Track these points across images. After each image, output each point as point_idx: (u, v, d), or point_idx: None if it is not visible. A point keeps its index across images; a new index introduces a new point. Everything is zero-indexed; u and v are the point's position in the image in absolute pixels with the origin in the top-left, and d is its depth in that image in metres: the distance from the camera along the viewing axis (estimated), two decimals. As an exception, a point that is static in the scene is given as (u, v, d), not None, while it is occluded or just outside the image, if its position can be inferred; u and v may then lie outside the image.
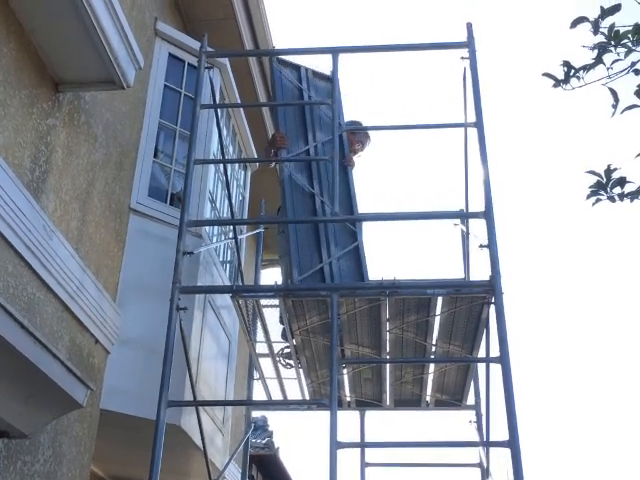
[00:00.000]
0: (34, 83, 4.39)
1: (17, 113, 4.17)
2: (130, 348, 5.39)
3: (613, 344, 45.97)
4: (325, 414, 4.34)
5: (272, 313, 5.84)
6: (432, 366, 5.85)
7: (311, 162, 5.64)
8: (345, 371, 5.94)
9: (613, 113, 4.11)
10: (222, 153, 5.73)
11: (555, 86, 4.24)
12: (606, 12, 4.00)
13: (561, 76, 4.21)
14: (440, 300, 4.88)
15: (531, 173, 45.22)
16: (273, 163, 6.18)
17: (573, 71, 4.16)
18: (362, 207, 5.89)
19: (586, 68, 4.13)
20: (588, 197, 4.27)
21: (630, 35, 4.00)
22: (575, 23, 4.06)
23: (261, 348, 6.24)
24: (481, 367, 5.74)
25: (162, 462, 4.06)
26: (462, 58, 5.03)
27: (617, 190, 4.21)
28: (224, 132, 6.84)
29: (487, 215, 4.48)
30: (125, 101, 5.69)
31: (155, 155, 6.15)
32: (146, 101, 6.15)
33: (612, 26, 4.01)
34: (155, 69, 6.32)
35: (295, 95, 5.96)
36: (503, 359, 4.09)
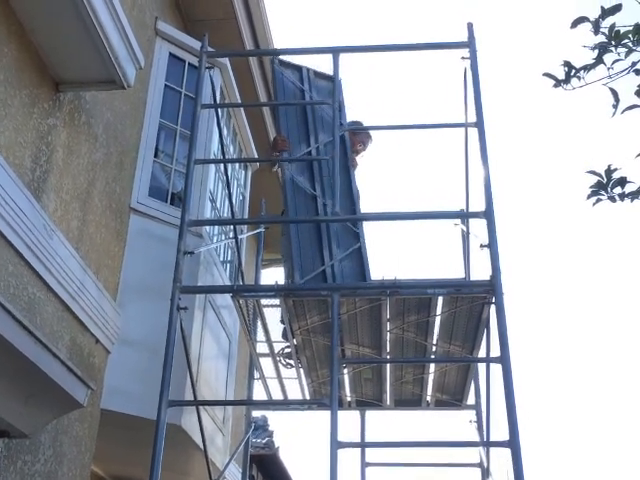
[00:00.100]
0: (35, 83, 4.39)
1: (18, 113, 4.17)
2: (130, 348, 5.40)
3: (613, 344, 45.99)
4: (325, 414, 4.34)
5: (273, 313, 5.84)
6: (432, 366, 5.85)
7: (313, 164, 5.65)
8: (345, 371, 5.94)
9: (614, 113, 4.12)
10: (222, 153, 5.73)
11: (556, 86, 4.24)
12: (607, 12, 4.00)
13: (562, 76, 4.21)
14: (441, 300, 4.88)
15: (532, 173, 45.24)
16: (276, 166, 6.18)
17: (574, 71, 4.16)
18: (364, 207, 5.90)
19: (587, 68, 4.13)
20: (589, 197, 4.27)
21: (630, 35, 4.00)
22: (576, 23, 4.06)
23: (261, 348, 6.24)
24: (481, 367, 5.74)
25: (163, 462, 4.06)
26: (463, 58, 5.03)
27: (617, 190, 4.21)
28: (224, 132, 6.85)
29: (487, 215, 4.48)
30: (126, 101, 5.69)
31: (156, 155, 6.15)
32: (147, 101, 6.15)
33: (613, 26, 4.01)
34: (156, 69, 6.32)
35: (297, 96, 5.97)
36: (503, 359, 4.09)
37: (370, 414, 6.76)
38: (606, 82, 4.10)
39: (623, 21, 4.00)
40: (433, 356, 5.67)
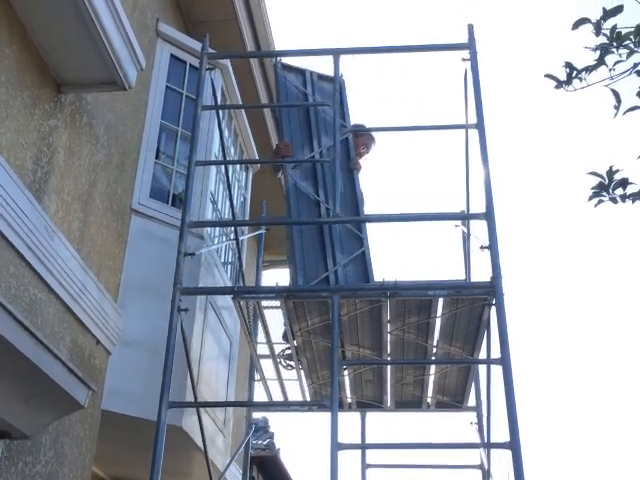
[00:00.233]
0: (36, 84, 4.39)
1: (19, 114, 4.18)
2: (131, 349, 5.40)
3: (614, 345, 45.95)
4: (326, 415, 4.34)
5: (273, 314, 5.84)
6: (433, 367, 5.85)
7: (316, 169, 5.66)
8: (346, 372, 5.94)
9: (615, 114, 4.12)
10: (223, 154, 5.73)
11: (557, 87, 4.25)
12: (608, 13, 4.00)
13: (563, 77, 4.22)
14: (441, 301, 4.88)
15: (533, 174, 45.23)
16: (279, 172, 6.21)
17: (575, 72, 4.16)
18: (369, 210, 5.90)
19: (588, 69, 4.13)
20: (590, 198, 4.27)
21: (632, 36, 4.00)
22: (577, 24, 4.06)
23: (262, 349, 6.24)
24: (482, 368, 5.73)
25: (163, 463, 4.06)
26: (463, 59, 5.03)
27: (619, 191, 4.21)
28: (225, 133, 6.85)
29: (488, 216, 4.48)
30: (127, 102, 5.70)
31: (157, 156, 6.15)
32: (148, 102, 6.16)
33: (614, 27, 4.01)
34: (157, 70, 6.33)
35: (300, 100, 5.98)
36: (504, 360, 4.09)
37: (370, 415, 6.77)
38: (608, 83, 4.10)
39: (624, 22, 4.00)
40: (434, 357, 5.67)
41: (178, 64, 6.55)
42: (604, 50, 4.05)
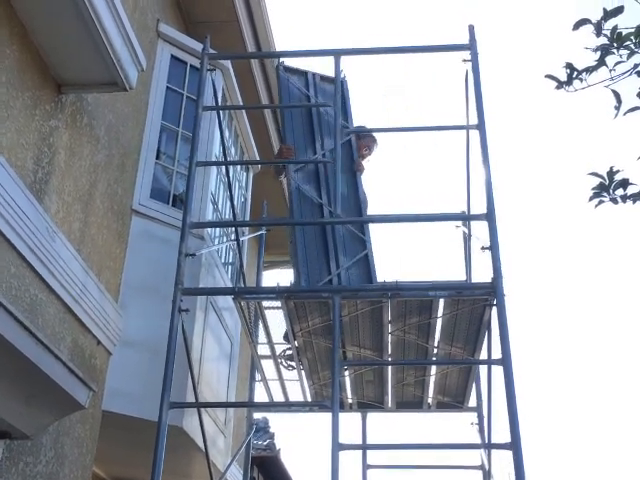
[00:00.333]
0: (37, 85, 4.39)
1: (20, 115, 4.18)
2: (132, 349, 5.40)
3: (616, 346, 45.93)
4: (327, 416, 4.34)
5: (274, 315, 5.84)
6: (434, 368, 5.85)
7: (319, 172, 5.67)
8: (347, 373, 5.94)
9: (616, 115, 4.12)
10: (224, 155, 5.73)
11: (558, 88, 4.24)
12: (609, 14, 4.00)
13: (564, 78, 4.21)
14: (442, 302, 4.88)
15: (533, 175, 45.22)
16: (281, 175, 6.22)
17: (576, 73, 4.16)
18: (372, 212, 5.90)
19: (589, 70, 4.13)
20: (591, 199, 4.26)
21: (633, 37, 4.00)
22: (578, 25, 4.06)
23: (263, 350, 6.25)
24: (483, 369, 5.74)
25: (164, 463, 4.06)
26: (464, 60, 5.04)
27: (620, 192, 4.20)
28: (226, 134, 6.85)
29: (489, 217, 4.48)
30: (127, 103, 5.70)
31: (157, 157, 6.16)
32: (148, 103, 6.16)
33: (615, 28, 4.01)
34: (157, 71, 6.33)
35: (303, 102, 5.99)
36: (505, 361, 4.09)
37: (371, 416, 6.77)
38: (608, 84, 4.10)
39: (625, 23, 4.00)
40: (434, 358, 5.67)
41: (179, 65, 6.56)
42: (605, 51, 4.05)
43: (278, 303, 5.12)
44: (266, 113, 8.39)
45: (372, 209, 5.98)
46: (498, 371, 4.24)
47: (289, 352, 5.94)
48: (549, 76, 4.25)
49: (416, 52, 5.26)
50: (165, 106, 6.30)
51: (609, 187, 4.20)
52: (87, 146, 5.05)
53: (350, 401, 6.40)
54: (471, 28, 5.03)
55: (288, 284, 5.86)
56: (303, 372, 5.99)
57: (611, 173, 4.18)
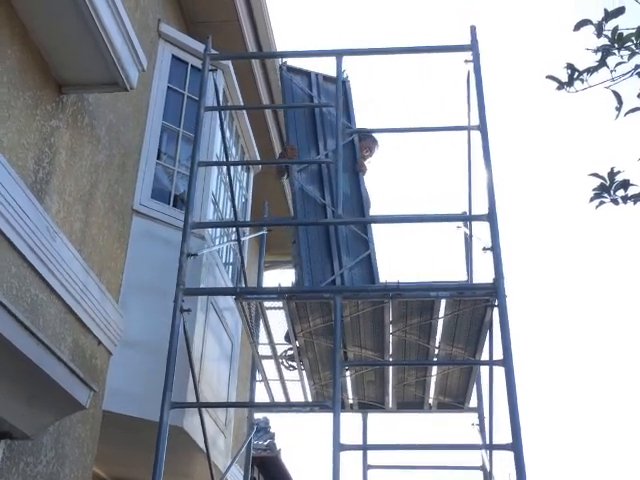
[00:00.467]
0: (38, 85, 4.39)
1: (21, 114, 4.18)
2: (133, 350, 5.40)
3: (616, 346, 45.92)
4: (328, 416, 4.34)
5: (275, 315, 5.84)
6: (435, 369, 5.85)
7: (322, 172, 5.68)
8: (348, 373, 5.94)
9: (617, 116, 4.11)
10: (225, 155, 5.73)
11: (559, 89, 4.24)
12: (610, 15, 3.99)
13: (565, 79, 4.21)
14: (443, 303, 4.87)
15: (535, 176, 45.22)
16: (283, 176, 6.23)
17: (577, 74, 4.15)
18: (375, 212, 5.89)
19: (590, 71, 4.12)
20: (591, 200, 4.26)
21: (634, 38, 3.99)
22: (579, 26, 4.05)
23: (264, 350, 6.24)
24: (484, 370, 5.74)
25: (165, 464, 4.06)
26: (466, 61, 5.04)
27: (620, 193, 4.20)
28: (227, 134, 6.85)
29: (490, 218, 4.47)
30: (128, 103, 5.70)
31: (158, 157, 6.15)
32: (149, 103, 6.16)
33: (616, 29, 4.00)
34: (158, 71, 6.33)
35: (306, 102, 5.99)
36: (506, 362, 4.09)
37: (372, 416, 6.77)
38: (609, 85, 4.09)
39: (626, 24, 3.99)
40: (435, 359, 5.67)
41: (179, 65, 6.55)
42: (605, 51, 4.05)
43: (279, 303, 5.12)
44: (267, 113, 8.38)
45: (374, 209, 5.98)
46: (499, 372, 4.24)
47: (290, 352, 5.94)
48: (550, 77, 4.24)
49: (418, 52, 5.26)
50: (166, 106, 6.30)
51: (610, 188, 4.19)
52: (88, 146, 5.05)
53: (351, 401, 6.39)
54: (473, 29, 5.03)
55: (289, 284, 5.87)
56: (304, 372, 5.99)
57: (612, 174, 4.17)
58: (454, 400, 6.28)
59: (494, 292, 4.36)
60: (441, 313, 4.98)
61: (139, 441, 5.72)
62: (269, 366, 6.36)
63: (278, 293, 4.88)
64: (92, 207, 5.10)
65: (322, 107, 5.98)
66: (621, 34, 4.00)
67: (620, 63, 4.06)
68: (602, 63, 4.08)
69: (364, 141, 6.26)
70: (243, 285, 6.31)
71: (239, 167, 7.58)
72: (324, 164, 5.74)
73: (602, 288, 46.01)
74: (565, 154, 41.42)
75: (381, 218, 5.65)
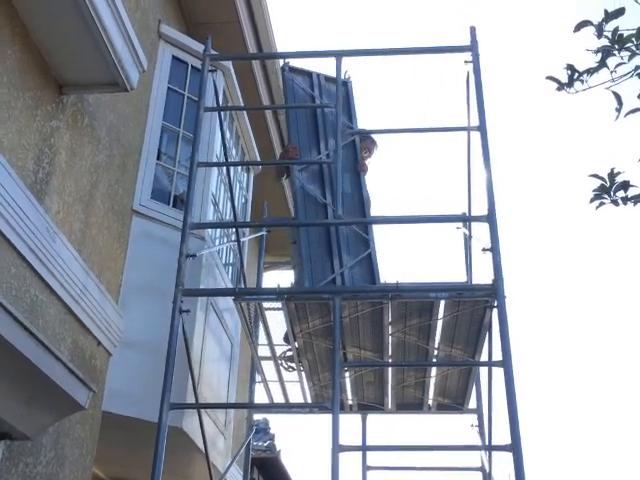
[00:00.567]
0: (38, 85, 4.39)
1: (21, 115, 4.18)
2: (132, 350, 5.39)
3: (615, 347, 45.91)
4: (327, 417, 4.34)
5: (274, 316, 5.84)
6: (434, 370, 5.85)
7: (323, 172, 5.68)
8: (347, 374, 5.93)
9: (617, 117, 4.11)
10: (225, 156, 5.73)
11: (559, 89, 4.24)
12: (610, 15, 3.99)
13: (565, 79, 4.20)
14: (442, 304, 4.88)
15: (534, 176, 45.22)
16: (283, 177, 6.23)
17: (577, 74, 4.15)
18: (375, 213, 5.89)
19: (590, 71, 4.12)
20: (591, 201, 4.26)
21: (634, 39, 3.99)
22: (579, 27, 4.05)
23: (263, 351, 6.24)
24: (483, 371, 5.74)
25: (164, 464, 4.05)
26: (465, 62, 5.04)
27: (620, 194, 4.20)
28: (227, 135, 6.85)
29: (490, 219, 4.48)
30: (129, 103, 5.70)
31: (158, 157, 6.15)
32: (149, 103, 6.16)
33: (616, 29, 4.00)
34: (159, 71, 6.33)
35: (308, 103, 5.99)
36: (505, 363, 4.09)
37: (372, 417, 6.76)
38: (609, 86, 4.09)
39: (626, 24, 3.99)
40: (435, 360, 5.67)
41: (180, 65, 6.56)
42: (606, 52, 4.04)
43: (278, 304, 5.12)
44: (267, 114, 8.38)
45: (374, 210, 5.98)
46: (498, 373, 4.24)
47: (289, 353, 5.94)
48: (550, 77, 4.24)
49: (417, 53, 5.26)
50: (166, 107, 6.30)
51: (610, 189, 4.19)
52: (88, 146, 5.05)
53: (350, 402, 6.39)
54: (472, 30, 5.04)
55: (288, 285, 5.87)
56: (303, 373, 5.99)
57: (612, 175, 4.17)
58: (453, 401, 6.27)
59: (493, 293, 4.36)
60: (440, 314, 4.98)
61: (138, 442, 5.71)
62: (268, 367, 6.36)
63: (277, 294, 4.88)
64: (92, 207, 5.10)
65: (322, 107, 5.98)
66: (621, 35, 4.00)
67: (620, 64, 4.06)
68: (602, 64, 4.08)
69: (363, 142, 6.26)
70: (242, 286, 6.30)
71: (239, 168, 7.58)
72: (325, 164, 5.74)
73: (602, 289, 46.03)
74: (565, 155, 41.44)
75: (381, 219, 5.65)
